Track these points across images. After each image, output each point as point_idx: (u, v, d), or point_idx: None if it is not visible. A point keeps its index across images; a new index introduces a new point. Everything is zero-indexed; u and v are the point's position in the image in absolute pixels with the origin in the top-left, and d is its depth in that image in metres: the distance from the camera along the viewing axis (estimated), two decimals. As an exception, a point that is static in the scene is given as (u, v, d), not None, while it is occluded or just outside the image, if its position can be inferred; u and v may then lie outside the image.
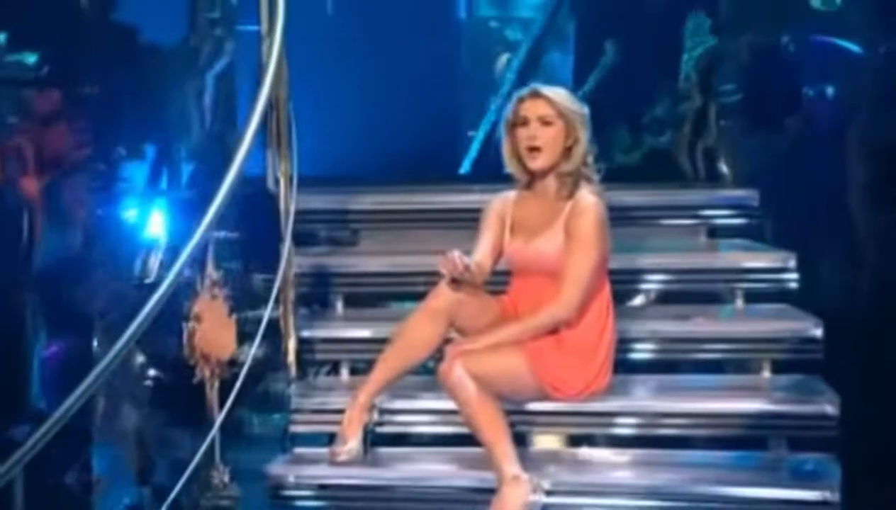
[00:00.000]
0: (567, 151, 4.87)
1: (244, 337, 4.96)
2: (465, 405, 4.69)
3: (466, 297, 4.86)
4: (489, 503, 4.62)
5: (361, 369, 5.31)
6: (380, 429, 4.98)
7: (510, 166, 4.97)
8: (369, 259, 5.79)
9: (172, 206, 5.89)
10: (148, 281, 5.60)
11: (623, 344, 5.06)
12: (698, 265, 5.60)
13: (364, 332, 5.38)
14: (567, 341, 4.82)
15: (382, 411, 4.97)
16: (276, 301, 4.99)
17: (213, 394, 4.71)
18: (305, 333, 5.27)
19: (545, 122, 4.86)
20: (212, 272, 4.75)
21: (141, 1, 5.84)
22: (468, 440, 4.81)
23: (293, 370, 5.16)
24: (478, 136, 8.05)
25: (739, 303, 5.49)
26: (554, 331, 4.82)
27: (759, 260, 5.54)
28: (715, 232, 5.90)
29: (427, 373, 4.98)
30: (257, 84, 4.92)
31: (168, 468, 5.19)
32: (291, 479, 4.92)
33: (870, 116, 5.48)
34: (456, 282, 4.82)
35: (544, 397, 4.86)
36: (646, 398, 5.04)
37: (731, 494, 4.69)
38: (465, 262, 4.73)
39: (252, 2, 5.23)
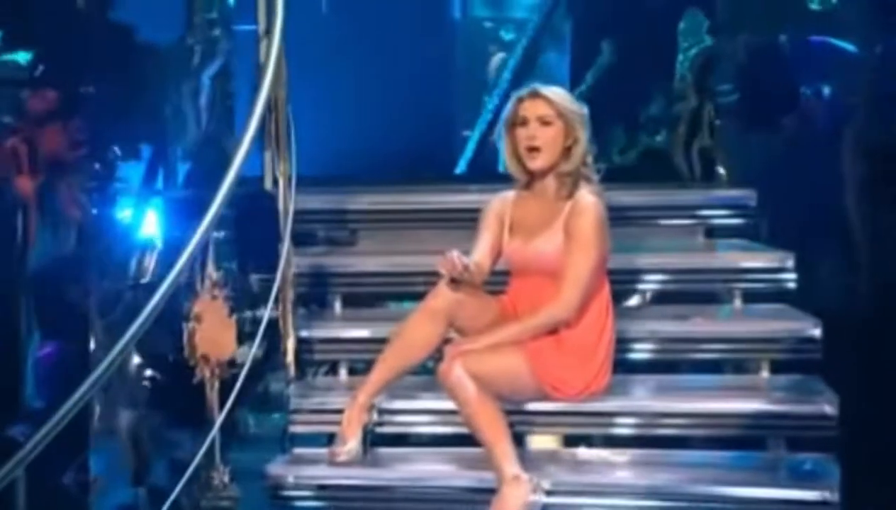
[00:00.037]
0: (566, 151, 4.87)
1: (243, 337, 4.96)
2: (465, 405, 4.68)
3: (466, 297, 4.86)
4: (489, 503, 4.62)
5: (360, 369, 5.30)
6: (379, 430, 4.97)
7: (509, 166, 4.97)
8: (367, 259, 5.78)
9: (168, 207, 5.89)
10: (143, 281, 5.60)
11: (622, 344, 5.05)
12: (696, 265, 5.60)
13: (362, 332, 5.36)
14: (567, 341, 4.82)
15: (382, 411, 4.96)
16: (276, 301, 4.98)
17: (213, 394, 4.71)
18: (304, 333, 5.26)
19: (545, 122, 4.85)
20: (212, 272, 4.74)
21: (137, 0, 5.84)
22: (468, 440, 4.81)
23: (292, 370, 5.15)
24: (473, 136, 8.06)
25: (738, 303, 5.49)
26: (553, 331, 4.82)
27: (757, 260, 5.54)
28: (713, 232, 5.90)
29: (426, 374, 4.98)
30: (255, 84, 4.91)
31: (168, 469, 5.19)
32: (291, 480, 4.91)
33: (867, 116, 5.48)
34: (455, 283, 4.81)
35: (544, 397, 4.85)
36: (645, 398, 5.04)
37: (730, 494, 4.69)
38: (465, 262, 4.73)
39: (249, 1, 5.22)
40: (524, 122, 4.87)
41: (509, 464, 4.64)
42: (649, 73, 6.93)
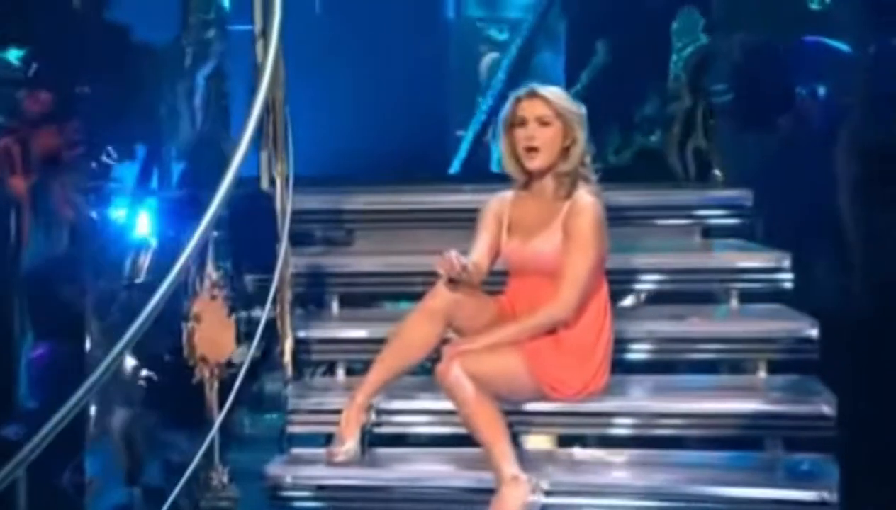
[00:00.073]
0: (565, 151, 4.87)
1: (240, 337, 4.95)
2: (463, 405, 4.68)
3: (464, 298, 4.85)
4: (488, 503, 4.62)
5: (357, 369, 5.30)
6: (377, 430, 4.97)
7: (507, 166, 4.96)
8: (364, 259, 5.77)
9: (163, 207, 5.88)
10: (138, 281, 5.59)
11: (619, 344, 5.04)
12: (693, 265, 5.60)
13: (360, 333, 5.36)
14: (565, 341, 4.82)
15: (380, 412, 4.96)
16: (273, 301, 4.97)
17: (212, 394, 4.70)
18: (301, 334, 5.25)
19: (543, 123, 4.85)
20: (211, 272, 4.73)
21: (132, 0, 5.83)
22: (466, 440, 4.80)
23: (290, 370, 5.15)
24: (467, 136, 8.06)
25: (734, 303, 5.49)
26: (552, 331, 4.82)
27: (753, 260, 5.54)
28: (709, 232, 5.90)
29: (425, 374, 4.98)
30: (252, 84, 4.91)
31: (167, 469, 5.18)
32: (289, 480, 4.90)
33: (862, 116, 5.50)
34: (453, 283, 4.81)
35: (542, 397, 4.85)
36: (643, 398, 5.03)
37: (728, 495, 4.70)
38: (463, 263, 4.72)
39: (246, 1, 5.21)
40: (522, 123, 4.86)
41: (508, 464, 4.64)
42: (644, 72, 6.93)
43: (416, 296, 5.05)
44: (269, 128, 5.03)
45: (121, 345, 4.04)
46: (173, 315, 4.69)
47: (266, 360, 5.17)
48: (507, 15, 8.83)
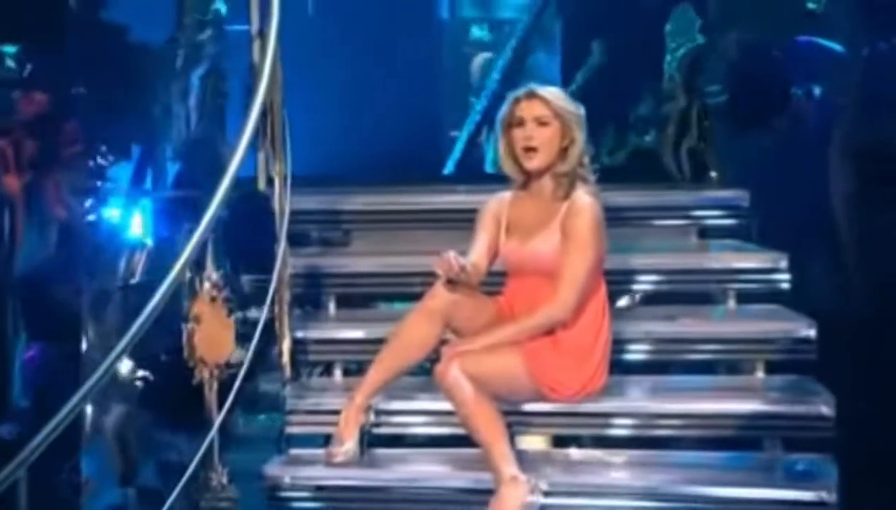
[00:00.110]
0: (563, 152, 4.86)
1: (239, 338, 4.94)
2: (462, 406, 4.68)
3: (462, 298, 4.85)
4: (486, 504, 4.62)
5: (355, 370, 5.31)
6: (376, 430, 4.96)
7: (506, 166, 4.95)
8: (361, 259, 5.76)
9: (158, 207, 5.88)
10: (133, 281, 5.59)
11: (617, 345, 5.04)
12: (690, 266, 5.60)
13: (357, 333, 5.35)
14: (563, 342, 4.81)
15: (379, 412, 4.95)
16: (272, 302, 4.96)
17: (212, 395, 4.69)
18: (299, 334, 5.24)
19: (541, 123, 4.84)
20: (211, 273, 4.72)
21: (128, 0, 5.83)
22: (465, 441, 4.80)
23: (288, 371, 5.14)
24: (461, 137, 8.06)
25: (731, 303, 5.49)
26: (550, 331, 4.81)
27: (750, 260, 5.54)
28: (706, 232, 5.89)
29: (423, 374, 4.98)
30: (248, 84, 4.91)
31: (167, 470, 5.17)
32: (287, 481, 4.90)
33: (857, 116, 5.50)
34: (452, 283, 4.80)
35: (541, 398, 4.85)
36: (641, 399, 5.03)
37: (727, 495, 4.70)
38: (461, 263, 4.72)
39: (242, 1, 5.21)
40: (521, 123, 4.86)
41: (507, 464, 4.63)
42: (639, 73, 6.94)
43: (413, 297, 5.04)
44: (266, 129, 5.03)
45: (122, 345, 4.04)
46: (173, 316, 4.68)
47: (265, 361, 5.16)
48: (502, 15, 8.84)
